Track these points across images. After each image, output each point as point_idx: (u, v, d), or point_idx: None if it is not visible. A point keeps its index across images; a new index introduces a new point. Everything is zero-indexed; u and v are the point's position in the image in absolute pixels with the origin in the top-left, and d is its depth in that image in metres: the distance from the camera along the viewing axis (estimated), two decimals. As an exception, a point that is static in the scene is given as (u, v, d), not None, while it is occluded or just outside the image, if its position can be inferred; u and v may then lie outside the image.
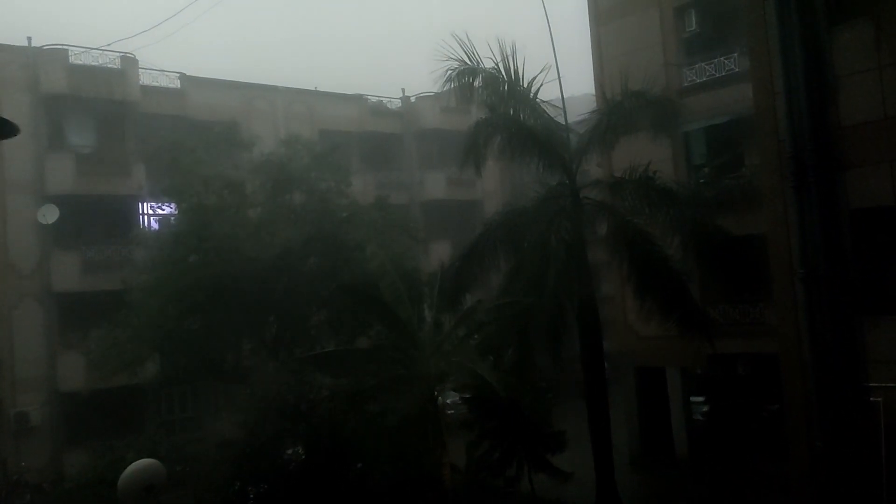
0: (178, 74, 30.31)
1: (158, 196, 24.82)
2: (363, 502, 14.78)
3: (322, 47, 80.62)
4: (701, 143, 22.70)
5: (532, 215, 17.76)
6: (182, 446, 21.93)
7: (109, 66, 27.96)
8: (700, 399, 22.77)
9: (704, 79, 21.85)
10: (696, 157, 22.70)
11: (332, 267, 21.00)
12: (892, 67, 11.69)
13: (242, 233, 20.10)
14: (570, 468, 17.09)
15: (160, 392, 26.98)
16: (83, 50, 27.55)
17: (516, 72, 17.68)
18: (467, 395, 17.65)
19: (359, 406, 15.25)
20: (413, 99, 38.36)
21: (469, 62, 17.44)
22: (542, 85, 17.80)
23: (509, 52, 17.52)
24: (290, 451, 15.75)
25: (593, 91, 24.24)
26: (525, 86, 17.78)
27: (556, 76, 17.57)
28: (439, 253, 29.54)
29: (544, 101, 18.27)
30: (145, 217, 29.30)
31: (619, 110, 17.32)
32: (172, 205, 22.80)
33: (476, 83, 17.66)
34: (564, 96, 18.15)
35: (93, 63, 27.70)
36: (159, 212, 26.99)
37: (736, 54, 20.95)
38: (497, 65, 17.58)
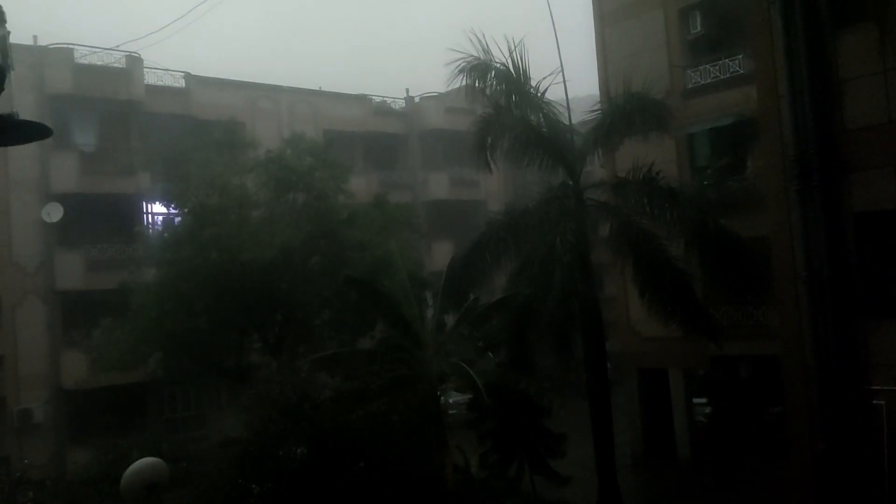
0: (183, 74, 30.40)
1: (162, 196, 24.88)
2: (365, 502, 14.80)
3: (326, 47, 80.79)
4: (705, 145, 22.70)
5: (535, 216, 17.76)
6: (185, 444, 21.97)
7: (115, 65, 28.05)
8: (702, 400, 22.78)
9: (709, 80, 21.85)
10: (700, 159, 22.70)
11: (333, 266, 21.04)
12: (897, 71, 11.69)
13: (244, 233, 20.13)
14: (571, 469, 17.09)
15: (163, 390, 27.04)
16: (89, 50, 27.65)
17: (525, 71, 17.70)
18: (469, 395, 17.68)
19: (362, 406, 15.28)
20: (417, 99, 38.41)
21: (481, 58, 17.46)
22: (549, 87, 17.83)
23: (518, 51, 17.55)
24: (293, 451, 15.77)
25: (597, 92, 24.26)
26: (533, 86, 17.81)
27: (561, 77, 17.63)
28: (443, 253, 29.58)
29: (549, 102, 18.29)
30: (149, 216, 29.40)
31: (621, 111, 17.33)
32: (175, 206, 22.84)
33: (488, 78, 17.67)
34: (569, 97, 18.18)
35: (98, 62, 27.80)
36: (163, 211, 27.04)
37: (741, 56, 20.95)
38: (507, 62, 17.61)
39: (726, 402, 21.90)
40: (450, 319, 17.49)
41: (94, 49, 27.72)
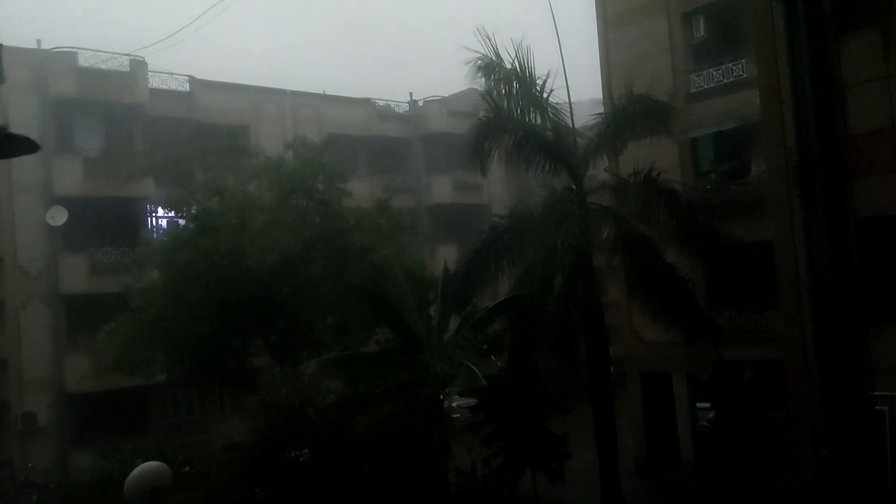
0: (187, 78, 30.45)
1: (165, 200, 24.93)
2: (369, 505, 14.82)
3: (330, 51, 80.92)
4: (708, 150, 22.67)
5: (538, 219, 17.75)
6: (188, 448, 21.99)
7: (119, 69, 28.09)
8: (706, 405, 22.73)
9: (712, 85, 21.81)
10: (703, 163, 22.65)
11: (336, 271, 21.04)
12: (900, 76, 11.69)
13: (246, 238, 20.14)
14: (575, 473, 17.08)
15: (167, 394, 27.07)
16: (92, 54, 27.70)
17: (531, 73, 17.71)
18: (473, 399, 17.68)
19: (365, 410, 15.30)
20: (420, 103, 38.47)
21: (493, 58, 17.47)
22: (552, 90, 17.82)
23: (524, 54, 17.55)
24: (297, 454, 15.79)
25: (600, 96, 24.23)
26: (538, 88, 17.80)
27: (564, 81, 17.61)
28: (446, 256, 29.59)
29: (553, 104, 18.27)
30: (153, 220, 29.45)
31: (624, 113, 17.32)
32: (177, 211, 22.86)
33: (495, 79, 17.68)
34: (572, 101, 18.17)
35: (102, 66, 27.86)
36: (167, 215, 27.09)
37: (744, 60, 20.92)
38: (514, 64, 17.60)
39: (730, 407, 21.85)
40: (452, 324, 17.47)
41: (97, 53, 27.78)
